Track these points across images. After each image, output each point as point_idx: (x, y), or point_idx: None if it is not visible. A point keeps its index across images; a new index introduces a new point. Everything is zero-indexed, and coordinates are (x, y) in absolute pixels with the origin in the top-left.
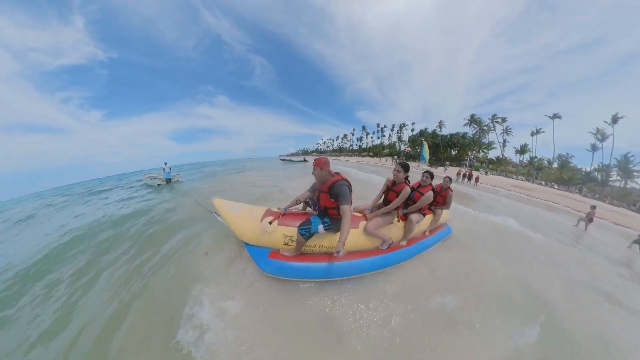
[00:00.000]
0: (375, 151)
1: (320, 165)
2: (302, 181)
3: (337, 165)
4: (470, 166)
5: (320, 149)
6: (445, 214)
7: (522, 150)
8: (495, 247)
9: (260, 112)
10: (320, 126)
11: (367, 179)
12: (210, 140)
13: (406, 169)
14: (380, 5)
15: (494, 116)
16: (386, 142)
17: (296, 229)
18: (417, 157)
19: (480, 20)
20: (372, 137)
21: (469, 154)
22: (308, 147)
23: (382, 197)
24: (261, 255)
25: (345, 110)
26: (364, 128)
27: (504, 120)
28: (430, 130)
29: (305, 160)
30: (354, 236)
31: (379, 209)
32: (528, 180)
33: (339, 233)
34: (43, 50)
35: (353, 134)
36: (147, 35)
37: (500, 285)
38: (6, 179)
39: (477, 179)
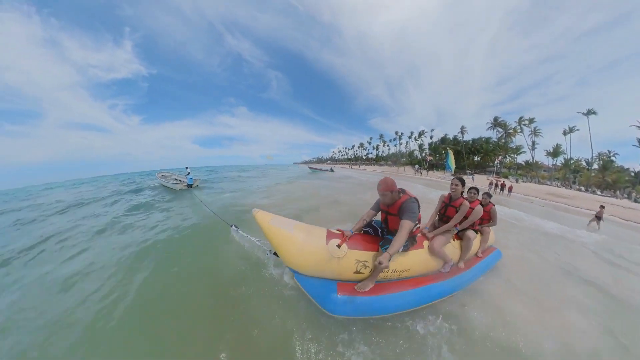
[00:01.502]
0: (394, 159)
1: (391, 189)
2: (371, 195)
3: (351, 174)
4: (497, 173)
5: (335, 157)
6: (492, 235)
7: (555, 152)
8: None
9: (276, 121)
10: (334, 135)
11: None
12: (231, 147)
13: (463, 183)
14: (385, 13)
15: (520, 119)
16: (404, 150)
17: (370, 252)
18: (439, 165)
19: (488, 14)
20: (388, 146)
21: (496, 160)
22: (322, 156)
23: (438, 215)
24: (327, 291)
25: (358, 118)
26: (381, 136)
27: (531, 121)
28: (450, 136)
29: (332, 170)
30: (421, 257)
31: (435, 227)
32: (565, 185)
33: (409, 253)
34: (99, 66)
35: (370, 142)
36: (180, 56)
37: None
38: (65, 165)
39: (510, 189)
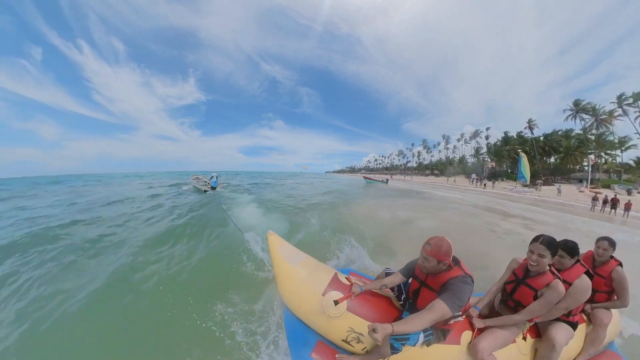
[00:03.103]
0: (440, 168)
1: (443, 259)
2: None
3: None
4: (591, 181)
5: (370, 166)
6: (616, 324)
7: None
8: None
9: (310, 133)
10: (365, 143)
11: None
12: (270, 156)
13: (555, 252)
14: (397, 13)
15: (620, 96)
16: (451, 156)
17: (369, 323)
18: (502, 174)
19: None
20: (431, 152)
21: (585, 161)
22: (355, 165)
23: (502, 291)
24: (304, 342)
25: (390, 123)
26: (424, 141)
27: (637, 97)
28: (512, 133)
29: (385, 181)
30: (451, 355)
31: (493, 309)
32: None
33: (432, 347)
34: (174, 96)
35: (410, 149)
36: (228, 84)
37: None
38: (149, 162)
39: (628, 206)
